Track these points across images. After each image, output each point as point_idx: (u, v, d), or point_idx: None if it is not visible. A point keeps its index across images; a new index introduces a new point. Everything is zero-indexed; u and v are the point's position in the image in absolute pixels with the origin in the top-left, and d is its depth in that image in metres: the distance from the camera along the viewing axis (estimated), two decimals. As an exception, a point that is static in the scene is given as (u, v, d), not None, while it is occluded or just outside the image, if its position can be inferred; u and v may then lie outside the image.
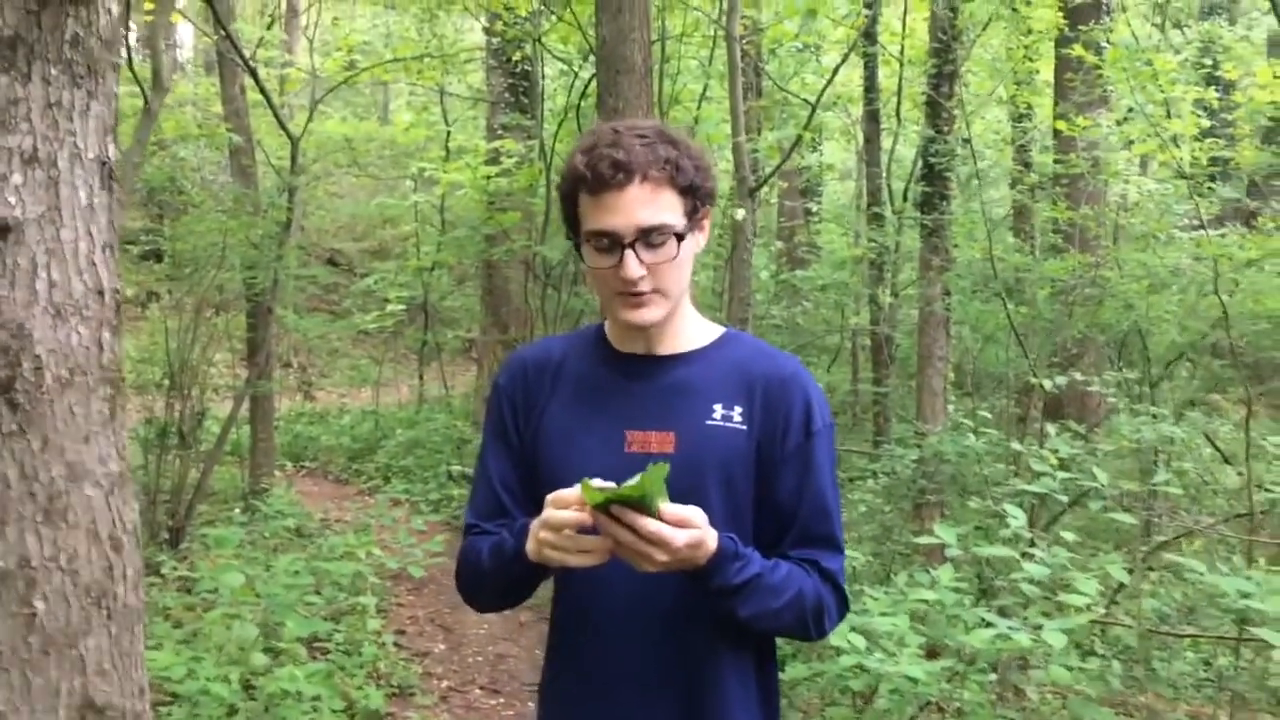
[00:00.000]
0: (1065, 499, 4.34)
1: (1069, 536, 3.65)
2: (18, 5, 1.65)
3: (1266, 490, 5.32)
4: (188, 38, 19.99)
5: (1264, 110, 8.71)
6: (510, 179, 9.82)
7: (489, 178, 9.89)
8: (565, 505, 1.47)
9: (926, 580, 3.63)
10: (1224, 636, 4.59)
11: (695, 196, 1.64)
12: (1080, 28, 8.16)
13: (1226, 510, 6.33)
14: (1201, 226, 7.37)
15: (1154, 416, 5.86)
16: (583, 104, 9.06)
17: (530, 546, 1.53)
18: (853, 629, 3.38)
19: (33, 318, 1.69)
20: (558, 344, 1.82)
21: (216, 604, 4.61)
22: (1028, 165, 10.36)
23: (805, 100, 8.94)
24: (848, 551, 1.76)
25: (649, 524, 1.42)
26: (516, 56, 10.30)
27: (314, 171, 13.08)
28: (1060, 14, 8.59)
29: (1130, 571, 4.43)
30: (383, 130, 16.12)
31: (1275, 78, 7.28)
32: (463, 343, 15.37)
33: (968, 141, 8.45)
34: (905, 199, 9.69)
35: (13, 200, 1.66)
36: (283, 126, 7.84)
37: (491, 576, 1.67)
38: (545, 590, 1.73)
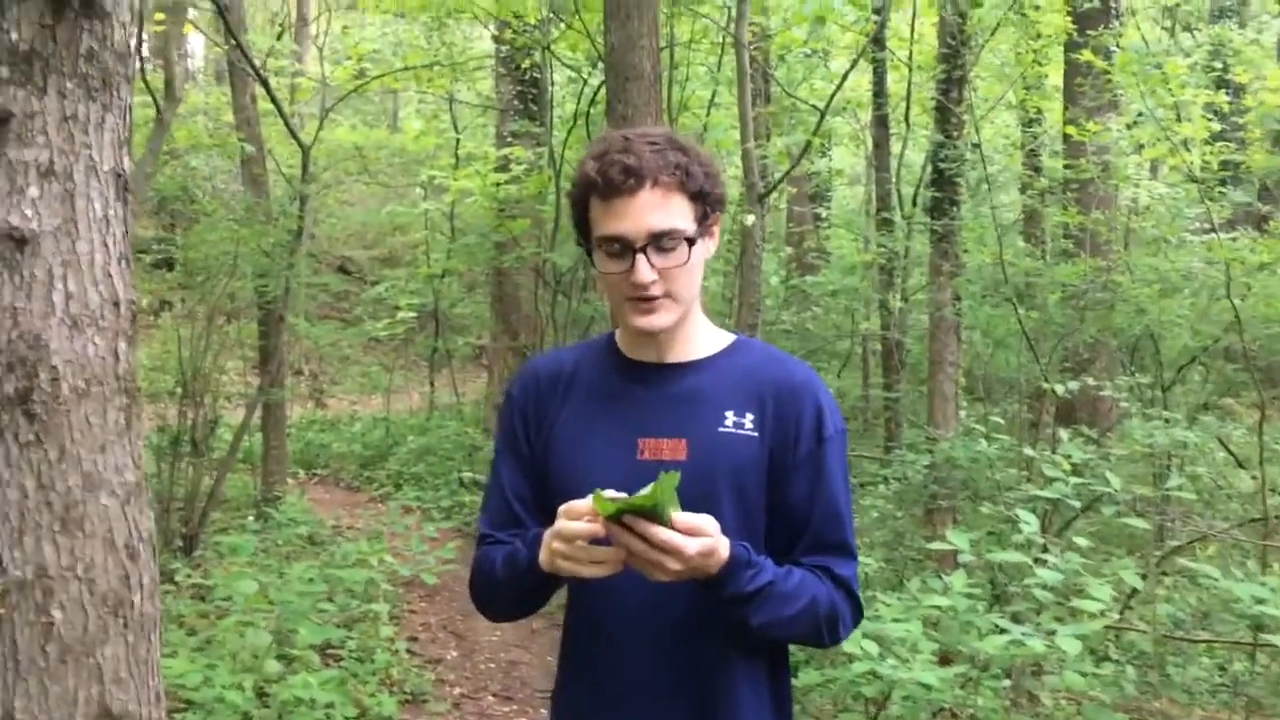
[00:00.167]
0: (1078, 504, 4.33)
1: (1082, 542, 3.64)
2: (33, 20, 1.67)
3: (1281, 494, 5.30)
4: (199, 48, 20.11)
5: (1275, 114, 8.68)
6: (520, 186, 9.84)
7: (499, 185, 9.91)
8: (577, 516, 1.47)
9: (939, 586, 3.63)
10: (1239, 642, 4.58)
11: (705, 202, 1.65)
12: (1089, 33, 8.14)
13: (1240, 515, 6.30)
14: (1213, 230, 7.35)
15: (1167, 421, 5.84)
16: (592, 111, 9.08)
17: (543, 557, 1.53)
18: (865, 635, 3.37)
19: (49, 329, 1.71)
20: (569, 354, 1.83)
21: (230, 611, 4.62)
22: (1038, 170, 10.34)
23: (814, 106, 8.94)
24: (860, 558, 1.75)
25: (661, 533, 1.42)
26: (525, 64, 10.33)
27: (325, 179, 13.13)
28: (1069, 19, 8.58)
29: (1144, 577, 4.42)
30: (393, 138, 16.18)
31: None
32: (473, 349, 15.40)
33: (977, 146, 8.44)
34: (915, 204, 9.69)
35: (29, 213, 1.68)
36: (294, 135, 7.87)
37: (505, 586, 1.68)
38: (558, 598, 1.73)
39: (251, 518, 7.40)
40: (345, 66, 10.46)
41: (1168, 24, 15.96)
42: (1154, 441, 5.39)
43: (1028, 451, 5.18)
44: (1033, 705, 3.84)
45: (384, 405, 13.21)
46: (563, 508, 1.50)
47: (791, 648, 1.84)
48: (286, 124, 7.83)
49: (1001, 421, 6.50)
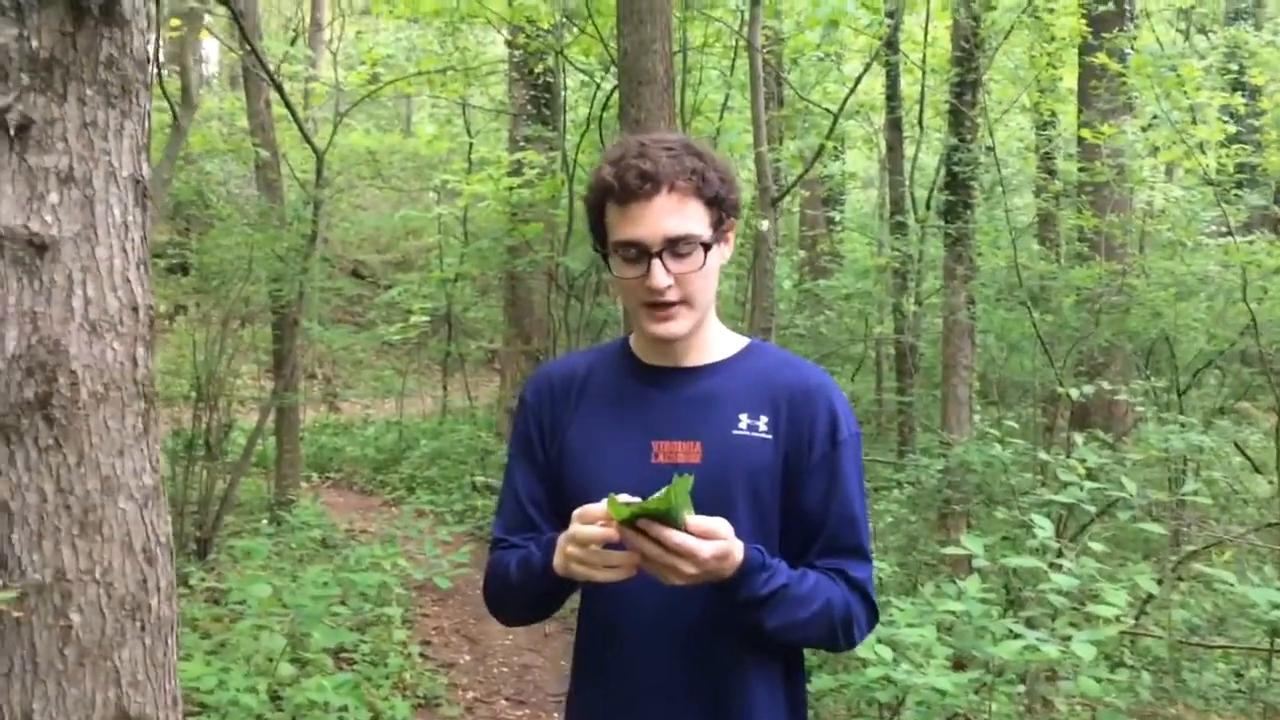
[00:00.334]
0: (1093, 509, 4.31)
1: (1097, 547, 3.62)
2: (54, 27, 1.68)
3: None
4: (213, 53, 20.23)
5: (1292, 116, 8.62)
6: (533, 190, 9.87)
7: (511, 189, 9.94)
8: (591, 520, 1.48)
9: (953, 591, 3.61)
10: (1255, 648, 4.55)
11: (721, 208, 1.65)
12: (1104, 35, 8.11)
13: (1257, 519, 6.26)
14: (1229, 233, 7.31)
15: (1182, 425, 5.81)
16: (605, 115, 9.09)
17: (557, 561, 1.54)
18: (879, 640, 3.36)
19: (68, 334, 1.72)
20: (583, 359, 1.83)
21: (244, 615, 4.64)
22: (1052, 173, 10.31)
23: (827, 109, 8.93)
24: (874, 562, 1.75)
25: (675, 536, 1.42)
26: (538, 69, 10.35)
27: (338, 184, 13.18)
28: (1083, 21, 8.55)
29: (1160, 582, 4.39)
30: (406, 143, 16.22)
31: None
32: (486, 354, 15.44)
33: (991, 149, 8.42)
34: (929, 207, 9.67)
35: (49, 219, 1.69)
36: (308, 140, 7.90)
37: (519, 590, 1.68)
38: (571, 602, 1.73)
39: (265, 521, 7.43)
40: (359, 71, 10.52)
41: (1183, 26, 15.90)
42: (1170, 446, 5.36)
43: (1042, 456, 5.16)
44: (1047, 711, 3.82)
45: (397, 409, 13.24)
46: (577, 512, 1.50)
47: (806, 652, 1.84)
48: (301, 129, 7.86)
49: (1016, 425, 6.47)
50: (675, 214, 1.59)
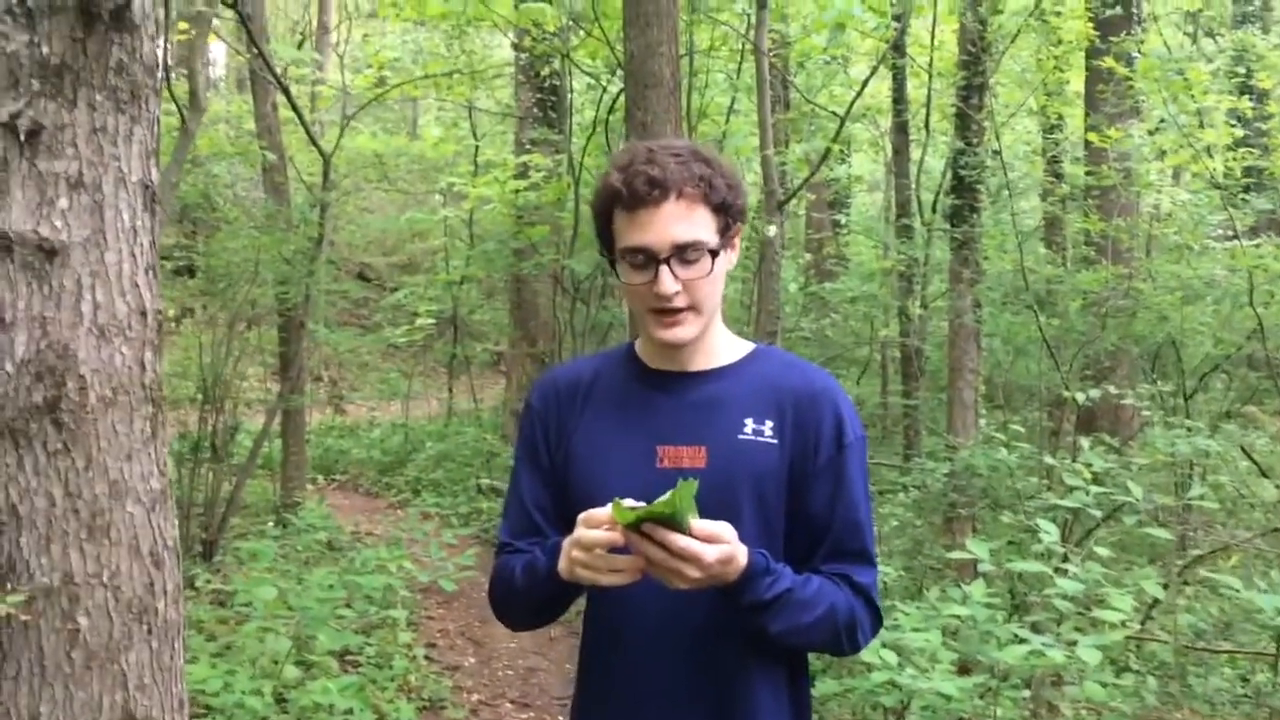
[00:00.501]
0: (1099, 513, 4.30)
1: (1103, 552, 3.62)
2: (64, 33, 1.69)
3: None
4: (221, 56, 20.28)
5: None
6: (538, 193, 9.88)
7: (517, 192, 9.95)
8: (596, 524, 1.48)
9: (959, 595, 3.61)
10: (1261, 653, 4.54)
11: (728, 214, 1.66)
12: (1111, 39, 8.10)
13: (1264, 524, 6.24)
14: (1235, 237, 7.29)
15: (1189, 429, 5.80)
16: (611, 118, 9.11)
17: (562, 565, 1.54)
18: (884, 645, 3.36)
19: (77, 338, 1.73)
20: (589, 363, 1.84)
21: (250, 617, 4.65)
22: (1059, 176, 10.29)
23: (834, 112, 8.93)
24: (879, 566, 1.75)
25: (680, 540, 1.43)
26: (545, 72, 10.37)
27: (345, 186, 13.22)
28: (1090, 25, 8.54)
29: (1166, 587, 4.39)
30: (412, 145, 16.25)
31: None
32: (491, 356, 15.46)
33: (998, 153, 8.41)
34: (935, 210, 9.66)
35: (59, 224, 1.70)
36: (314, 143, 7.92)
37: (524, 595, 1.69)
38: (576, 605, 1.74)
39: (271, 523, 7.44)
40: (366, 74, 10.54)
41: (1190, 29, 15.88)
42: (1176, 450, 5.35)
43: (1048, 460, 5.15)
44: (1053, 716, 3.82)
45: (403, 411, 13.26)
46: (582, 516, 1.51)
47: (810, 656, 1.84)
48: (308, 132, 7.88)
49: (1022, 430, 6.45)
50: (683, 221, 1.60)
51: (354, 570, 5.59)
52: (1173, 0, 13.32)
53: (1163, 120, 8.01)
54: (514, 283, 11.81)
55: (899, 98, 9.69)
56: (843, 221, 14.37)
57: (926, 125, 9.66)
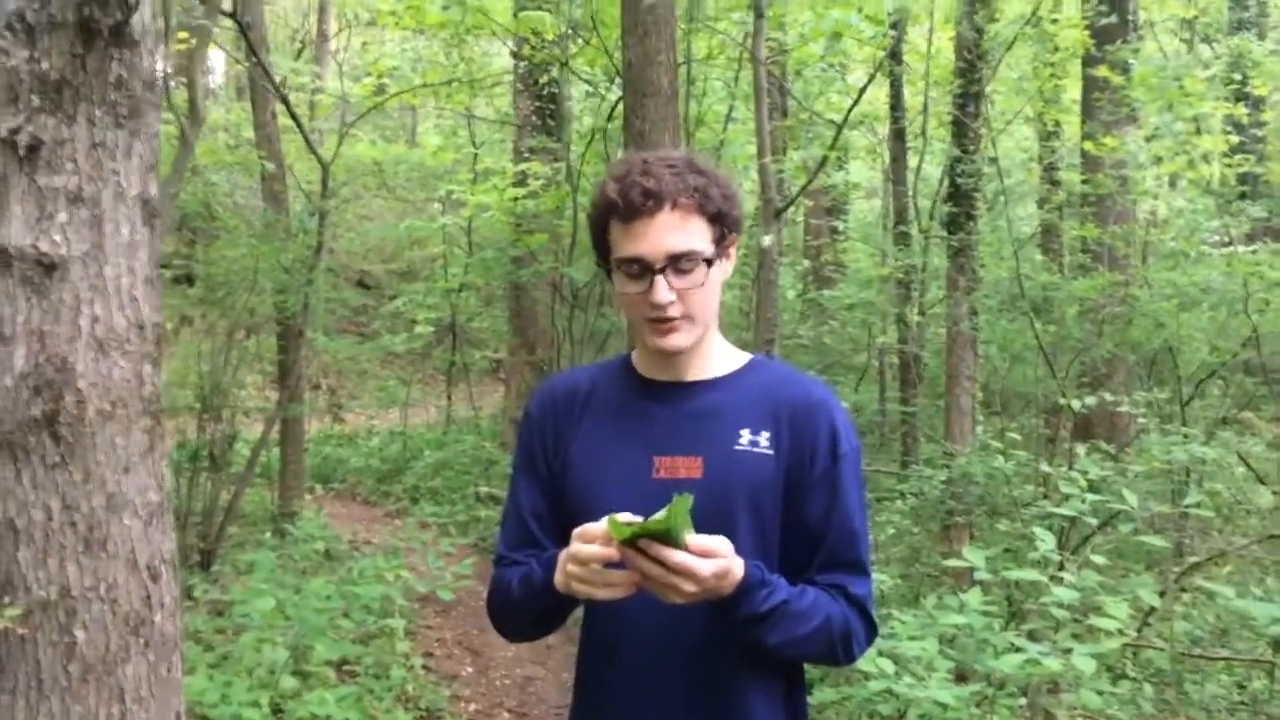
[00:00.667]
0: (1095, 521, 4.31)
1: (1099, 560, 3.62)
2: (64, 49, 1.70)
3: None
4: (220, 64, 20.30)
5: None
6: (537, 201, 9.90)
7: (516, 200, 9.97)
8: (591, 540, 1.49)
9: (955, 604, 3.62)
10: (1259, 660, 4.54)
11: (723, 224, 1.67)
12: (1107, 47, 8.13)
13: (1260, 530, 6.25)
14: (1230, 243, 7.31)
15: (1185, 436, 5.81)
16: (609, 126, 9.12)
17: (558, 578, 1.55)
18: (881, 653, 3.37)
19: (76, 352, 1.74)
20: (586, 374, 1.85)
21: (247, 627, 4.65)
22: (1056, 183, 10.32)
23: (831, 120, 8.95)
24: (876, 574, 1.76)
25: (675, 556, 1.44)
26: (543, 80, 10.39)
27: (343, 195, 13.23)
28: (1086, 33, 8.57)
29: (1162, 594, 4.39)
30: (411, 153, 16.27)
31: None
32: (490, 363, 15.46)
33: (994, 160, 8.43)
34: (932, 218, 9.68)
35: (58, 238, 1.71)
36: (313, 152, 7.94)
37: (521, 607, 1.70)
38: (574, 614, 1.75)
39: (269, 533, 7.44)
40: (365, 83, 10.54)
41: (1186, 36, 15.92)
42: (1172, 457, 5.36)
43: (1045, 468, 5.16)
44: (1049, 724, 3.82)
45: (401, 419, 13.26)
46: (577, 531, 1.52)
47: (807, 665, 1.85)
48: (306, 141, 7.89)
49: (1018, 437, 6.47)
50: (678, 231, 1.61)
51: (352, 580, 5.59)
52: (1169, 7, 13.35)
53: (1158, 127, 8.03)
54: (513, 290, 11.82)
55: (896, 105, 9.71)
56: (841, 228, 14.39)
57: (924, 132, 9.68)
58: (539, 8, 8.76)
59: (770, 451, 1.66)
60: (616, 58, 7.18)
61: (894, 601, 5.05)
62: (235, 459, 7.89)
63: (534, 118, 10.87)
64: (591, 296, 10.02)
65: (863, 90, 7.16)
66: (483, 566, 6.36)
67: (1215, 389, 8.63)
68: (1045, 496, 5.61)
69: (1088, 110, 9.53)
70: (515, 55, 10.71)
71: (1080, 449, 5.42)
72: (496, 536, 1.84)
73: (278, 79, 8.10)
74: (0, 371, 1.72)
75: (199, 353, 7.20)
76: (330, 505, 9.78)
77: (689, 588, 1.45)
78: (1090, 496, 3.94)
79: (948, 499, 6.35)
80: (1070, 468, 4.76)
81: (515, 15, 9.19)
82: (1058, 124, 10.82)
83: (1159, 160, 8.55)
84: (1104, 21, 8.57)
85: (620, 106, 6.70)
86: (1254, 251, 7.59)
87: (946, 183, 8.37)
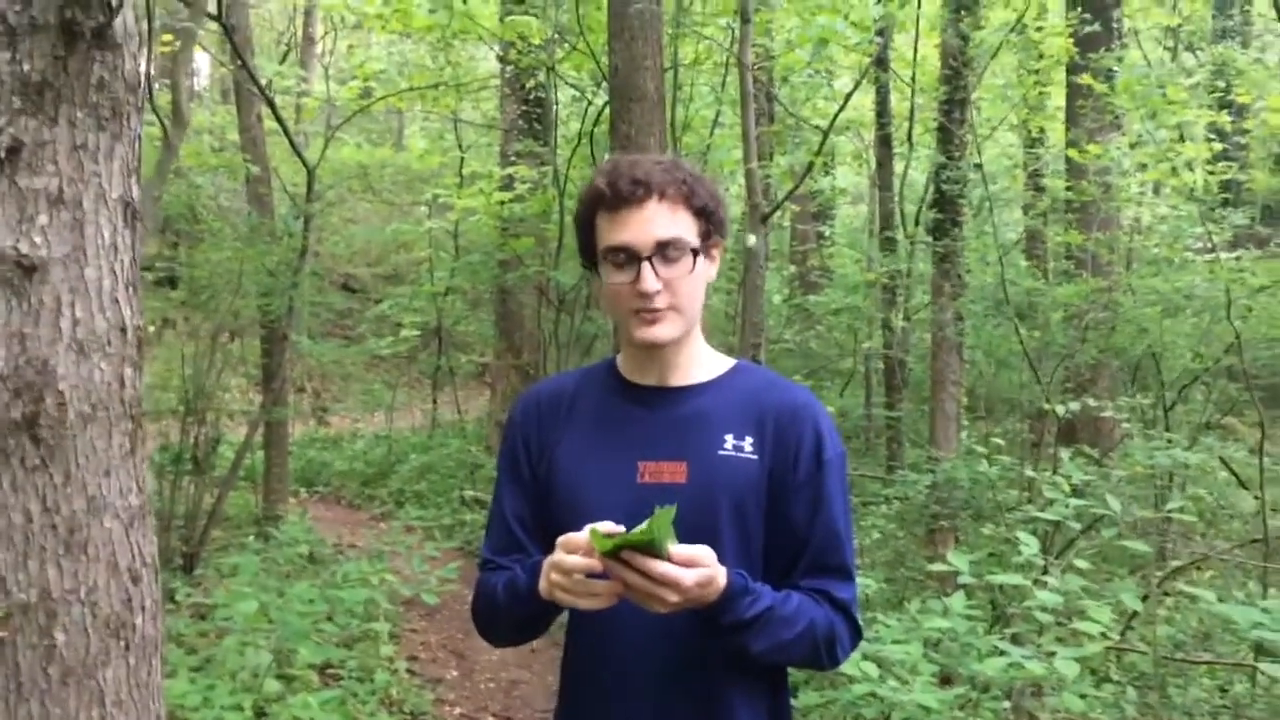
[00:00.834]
0: (1078, 526, 4.33)
1: (1082, 564, 3.64)
2: (45, 51, 1.70)
3: (1282, 517, 5.30)
4: (205, 66, 20.24)
5: (1277, 135, 8.70)
6: (524, 205, 9.90)
7: (503, 203, 9.97)
8: (574, 550, 1.49)
9: (939, 607, 3.63)
10: (1240, 664, 4.57)
11: (709, 221, 1.69)
12: (1090, 55, 8.18)
13: (1242, 535, 6.29)
14: (1213, 250, 7.37)
15: (1168, 442, 5.85)
16: (596, 131, 9.13)
17: (542, 586, 1.55)
18: (865, 657, 3.38)
19: (56, 354, 1.73)
20: (570, 378, 1.85)
21: (230, 631, 4.63)
22: (1040, 190, 10.38)
23: (817, 126, 8.98)
24: (861, 578, 1.77)
25: (659, 566, 1.44)
26: (530, 84, 10.40)
27: (329, 198, 13.20)
28: (1071, 40, 8.63)
29: (1145, 598, 4.42)
30: (397, 156, 16.25)
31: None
32: (476, 367, 15.43)
33: (979, 167, 8.47)
34: (917, 223, 9.72)
35: (39, 240, 1.71)
36: (299, 155, 7.91)
37: (506, 613, 1.70)
38: (560, 618, 1.75)
39: (252, 536, 7.40)
40: (351, 86, 10.54)
41: (1170, 44, 16.03)
42: (1155, 462, 5.39)
43: (1029, 473, 5.19)
44: (1033, 727, 3.83)
45: (386, 423, 13.23)
46: (560, 540, 1.52)
47: (790, 669, 1.85)
48: (292, 144, 7.87)
49: (1003, 442, 6.50)
50: (665, 220, 1.63)
51: (336, 583, 5.57)
52: (1153, 15, 13.44)
53: (1142, 135, 8.09)
54: (499, 294, 11.82)
55: (882, 111, 9.75)
56: (827, 234, 14.44)
57: (910, 139, 9.73)
58: (525, 12, 8.77)
59: (755, 456, 1.67)
60: (603, 62, 7.18)
61: (878, 605, 5.06)
62: (219, 462, 7.86)
63: (521, 122, 10.87)
64: (578, 300, 10.02)
65: (849, 96, 7.20)
66: (468, 570, 6.35)
67: (1198, 395, 8.69)
68: (1029, 501, 5.63)
69: (1072, 117, 9.59)
70: (502, 59, 10.72)
71: (1064, 454, 5.45)
72: (481, 541, 1.84)
73: (263, 82, 8.07)
74: (-20, 373, 1.71)
75: (183, 355, 7.17)
76: (315, 509, 9.75)
77: (672, 597, 1.46)
78: (1074, 501, 3.96)
79: (932, 503, 6.38)
80: (1054, 472, 4.78)
81: (502, 19, 9.19)
82: (1042, 131, 10.89)
83: (1143, 167, 8.60)
84: (1088, 29, 8.63)
85: (607, 111, 6.71)
86: (1237, 258, 7.65)
87: (932, 189, 8.41)
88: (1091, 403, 5.92)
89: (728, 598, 1.52)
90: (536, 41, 9.22)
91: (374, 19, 9.23)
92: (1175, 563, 5.75)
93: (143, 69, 1.91)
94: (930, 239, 8.21)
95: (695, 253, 1.64)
